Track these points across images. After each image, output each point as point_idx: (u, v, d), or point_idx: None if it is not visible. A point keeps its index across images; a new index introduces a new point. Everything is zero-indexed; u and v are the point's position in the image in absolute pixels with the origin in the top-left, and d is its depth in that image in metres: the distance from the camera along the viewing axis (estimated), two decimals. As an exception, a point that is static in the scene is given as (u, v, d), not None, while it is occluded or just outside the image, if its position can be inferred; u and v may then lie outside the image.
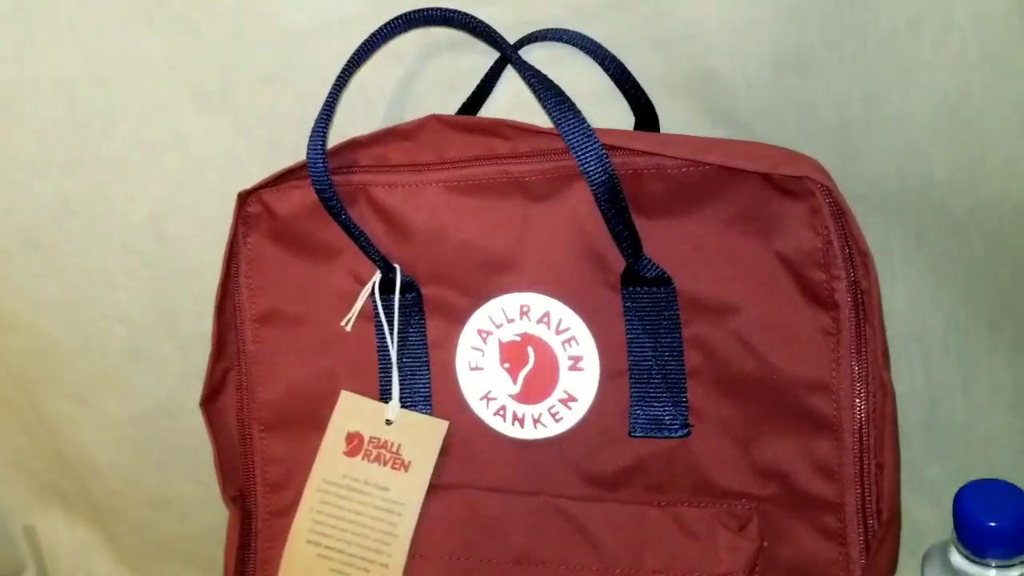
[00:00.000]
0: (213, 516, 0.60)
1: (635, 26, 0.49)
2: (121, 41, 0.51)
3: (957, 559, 0.43)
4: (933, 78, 0.48)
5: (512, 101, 0.52)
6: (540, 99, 0.43)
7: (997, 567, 0.42)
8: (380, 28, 0.46)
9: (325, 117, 0.46)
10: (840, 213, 0.41)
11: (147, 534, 0.68)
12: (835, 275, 0.42)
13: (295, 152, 0.53)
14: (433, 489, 0.47)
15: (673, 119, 0.51)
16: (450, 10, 0.46)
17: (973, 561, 0.42)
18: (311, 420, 0.50)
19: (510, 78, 0.51)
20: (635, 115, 0.51)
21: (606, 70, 0.50)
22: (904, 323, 0.54)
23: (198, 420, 0.52)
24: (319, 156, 0.45)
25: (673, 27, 0.49)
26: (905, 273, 0.53)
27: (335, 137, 0.48)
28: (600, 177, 0.42)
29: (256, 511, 0.52)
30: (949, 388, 0.58)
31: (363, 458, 0.47)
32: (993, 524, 0.41)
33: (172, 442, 0.64)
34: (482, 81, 0.51)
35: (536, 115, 0.47)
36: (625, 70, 0.50)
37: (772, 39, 0.48)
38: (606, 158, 0.42)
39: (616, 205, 0.42)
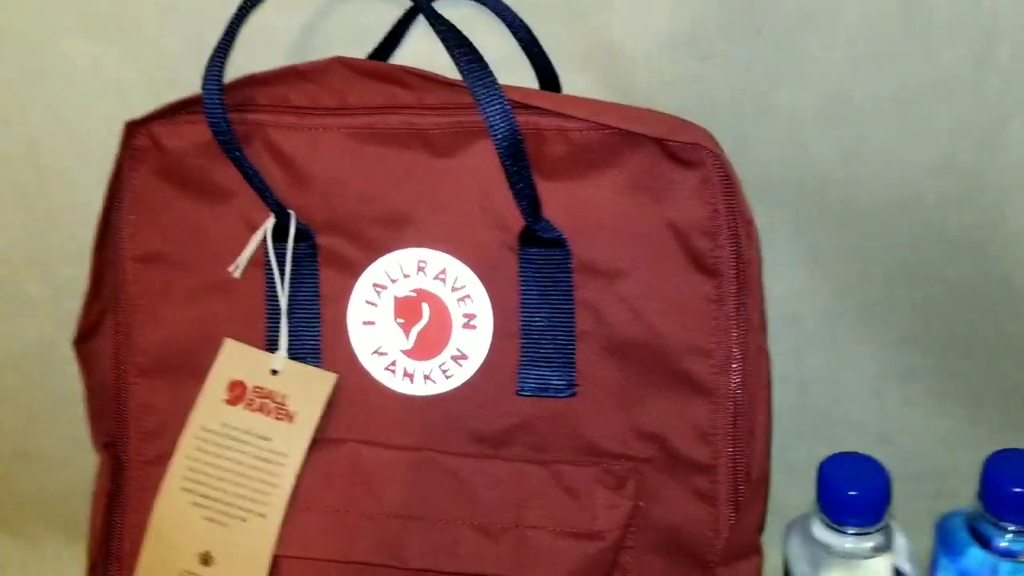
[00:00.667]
0: (80, 473, 0.57)
1: (545, -5, 0.49)
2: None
3: (818, 528, 0.45)
4: (821, 71, 0.50)
5: (416, 57, 0.51)
6: (450, 51, 0.43)
7: (854, 535, 0.44)
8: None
9: (223, 48, 0.44)
10: (728, 182, 0.43)
11: (7, 487, 0.65)
12: (720, 244, 0.43)
13: (189, 88, 0.51)
14: (317, 442, 0.46)
15: (574, 89, 0.52)
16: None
17: (833, 529, 0.44)
18: (190, 368, 0.48)
19: (417, 34, 0.51)
20: (539, 82, 0.51)
21: (515, 35, 0.50)
22: (779, 309, 0.56)
23: (70, 370, 0.49)
24: (215, 89, 0.44)
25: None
26: (783, 260, 0.55)
27: (232, 76, 0.47)
28: (504, 132, 0.42)
29: (128, 459, 0.50)
30: (817, 374, 0.61)
31: (245, 407, 0.46)
32: (852, 493, 0.44)
33: (40, 392, 0.61)
34: (390, 31, 0.50)
35: (441, 71, 0.47)
36: (533, 37, 0.50)
37: (672, 18, 0.50)
38: (511, 114, 0.42)
39: (518, 163, 0.43)
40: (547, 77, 0.51)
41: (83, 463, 0.51)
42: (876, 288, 0.56)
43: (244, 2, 0.45)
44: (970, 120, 0.49)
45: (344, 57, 0.45)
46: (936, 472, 0.60)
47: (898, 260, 0.55)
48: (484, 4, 0.50)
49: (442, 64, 0.51)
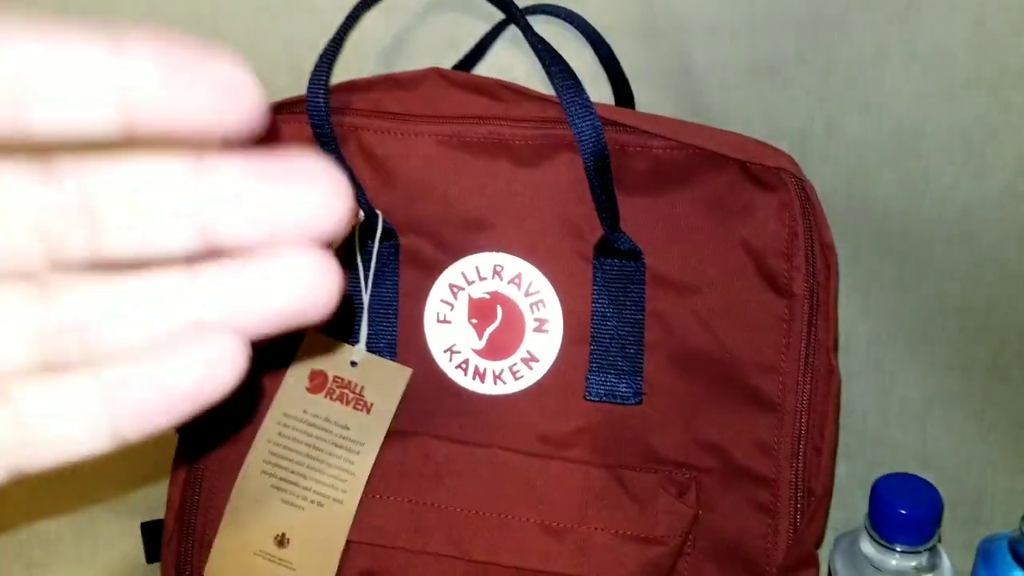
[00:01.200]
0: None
1: (627, 16, 0.51)
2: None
3: (866, 545, 0.47)
4: (891, 105, 0.52)
5: (496, 67, 0.53)
6: (545, 67, 0.45)
7: (901, 553, 0.46)
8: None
9: (330, 55, 0.47)
10: (810, 207, 0.44)
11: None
12: (795, 266, 0.45)
13: (283, 90, 0.53)
14: (391, 434, 0.48)
15: (649, 107, 0.54)
16: (465, -31, 0.48)
17: (881, 545, 0.46)
18: (270, 355, 0.50)
19: (497, 45, 0.53)
20: (615, 98, 0.53)
21: (596, 52, 0.52)
22: (832, 330, 0.58)
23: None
24: (320, 91, 0.46)
25: (662, 22, 0.51)
26: (839, 284, 0.57)
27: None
28: (593, 147, 0.44)
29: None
30: (864, 397, 0.62)
31: (326, 396, 0.48)
32: (904, 512, 0.45)
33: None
34: (479, 43, 0.52)
35: (517, 81, 0.49)
36: (613, 55, 0.52)
37: (750, 46, 0.51)
38: (601, 130, 0.44)
39: (603, 176, 0.45)
40: (623, 92, 0.53)
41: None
42: (927, 316, 0.58)
43: (353, 10, 0.47)
44: (1035, 159, 0.51)
45: (441, 68, 0.47)
46: (975, 497, 0.61)
47: (952, 291, 0.56)
48: (568, 21, 0.52)
49: (517, 75, 0.54)
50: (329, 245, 0.19)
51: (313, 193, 0.18)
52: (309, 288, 0.19)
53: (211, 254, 0.19)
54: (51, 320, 0.19)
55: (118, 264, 0.19)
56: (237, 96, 0.17)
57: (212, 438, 0.50)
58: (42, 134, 0.17)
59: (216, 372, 0.19)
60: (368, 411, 0.47)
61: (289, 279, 0.18)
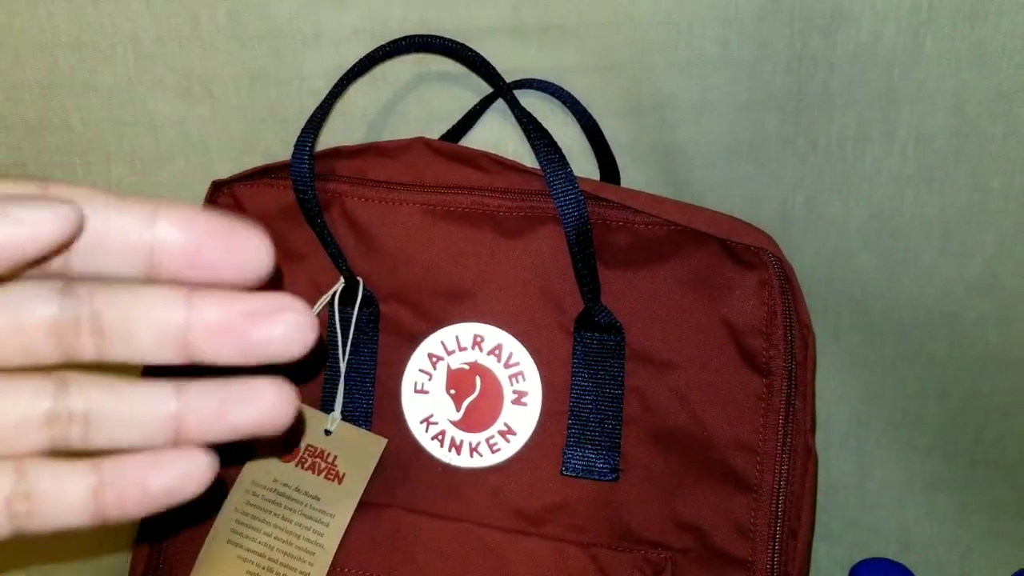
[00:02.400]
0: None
1: (613, 92, 0.52)
2: (112, 12, 0.50)
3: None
4: (871, 188, 0.53)
5: (489, 140, 0.54)
6: (530, 140, 0.45)
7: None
8: (383, 46, 0.48)
9: (317, 121, 0.47)
10: (789, 287, 0.44)
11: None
12: (774, 344, 0.45)
13: (268, 154, 0.54)
14: (362, 505, 0.47)
15: (633, 182, 0.54)
16: (453, 41, 0.48)
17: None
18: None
19: (490, 119, 0.54)
20: (600, 172, 0.54)
21: (582, 127, 0.52)
22: (812, 410, 0.58)
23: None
24: (305, 158, 0.46)
25: (647, 99, 0.52)
26: (818, 364, 0.57)
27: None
28: (575, 221, 0.44)
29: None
30: (844, 479, 0.62)
31: (298, 464, 0.47)
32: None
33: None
34: (467, 115, 0.53)
35: (506, 154, 0.49)
36: (599, 130, 0.53)
37: (733, 125, 0.52)
38: (584, 204, 0.44)
39: (585, 250, 0.45)
40: (608, 167, 0.54)
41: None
42: (908, 398, 0.58)
43: (342, 79, 0.47)
44: (1014, 244, 0.52)
45: (426, 138, 0.48)
46: (954, 583, 0.60)
47: (932, 372, 0.56)
48: (556, 96, 0.52)
49: (505, 147, 0.54)
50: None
51: (285, 328, 0.23)
52: (272, 411, 0.23)
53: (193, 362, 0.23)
54: (62, 408, 0.23)
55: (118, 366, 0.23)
56: (249, 258, 0.22)
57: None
58: (78, 274, 0.22)
59: (188, 478, 0.23)
60: (340, 481, 0.46)
61: (256, 403, 0.23)
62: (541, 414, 0.47)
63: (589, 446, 0.46)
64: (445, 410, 0.48)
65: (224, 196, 0.50)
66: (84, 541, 0.61)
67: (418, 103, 0.53)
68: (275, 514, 0.46)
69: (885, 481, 0.61)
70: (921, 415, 0.58)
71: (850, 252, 0.55)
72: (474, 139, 0.54)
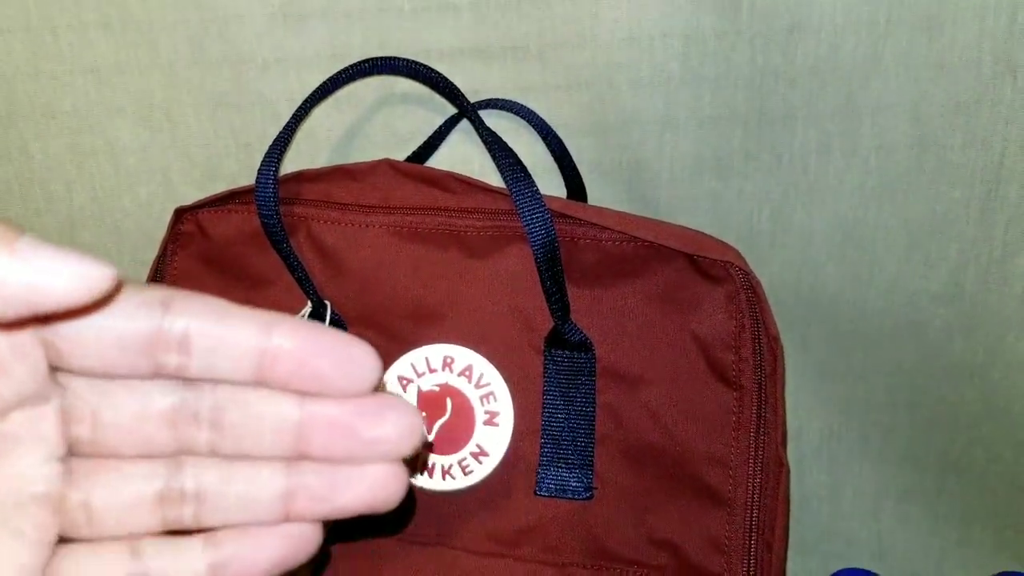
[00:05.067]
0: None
1: (578, 110, 0.52)
2: (71, 41, 0.50)
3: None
4: (835, 200, 0.53)
5: (454, 160, 0.54)
6: (495, 159, 0.45)
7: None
8: (346, 68, 0.48)
9: (280, 145, 0.46)
10: (756, 300, 0.44)
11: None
12: (743, 358, 0.45)
13: (231, 179, 0.53)
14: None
15: (600, 199, 0.54)
16: (416, 62, 0.48)
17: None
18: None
19: (456, 139, 0.54)
20: (567, 190, 0.54)
21: (548, 146, 0.53)
22: (783, 423, 0.58)
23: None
24: (270, 182, 0.46)
25: (611, 117, 0.52)
26: (789, 377, 0.57)
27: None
28: (542, 239, 0.44)
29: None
30: (818, 490, 0.62)
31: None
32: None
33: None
34: (432, 136, 0.53)
35: (472, 174, 0.49)
36: (564, 148, 0.53)
37: (697, 141, 0.53)
38: (551, 222, 0.44)
39: (553, 268, 0.44)
40: (575, 185, 0.54)
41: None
42: (878, 408, 0.58)
43: (304, 103, 0.47)
44: (977, 253, 0.52)
45: (392, 160, 0.47)
46: (929, 592, 0.61)
47: (901, 382, 0.57)
48: (520, 115, 0.52)
49: (472, 167, 0.54)
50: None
51: (393, 430, 0.23)
52: (382, 492, 0.24)
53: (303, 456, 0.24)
54: (174, 488, 0.24)
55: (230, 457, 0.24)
56: (356, 370, 0.23)
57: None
58: (194, 376, 0.23)
59: (301, 548, 0.24)
60: (311, 508, 0.46)
61: (366, 484, 0.24)
62: (513, 434, 0.47)
63: (562, 465, 0.46)
64: (416, 433, 0.47)
65: (188, 223, 0.49)
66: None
67: (382, 125, 0.53)
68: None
69: (858, 492, 0.61)
70: (892, 425, 0.58)
71: (816, 264, 0.55)
72: (440, 160, 0.54)
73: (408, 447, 0.23)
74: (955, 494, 0.59)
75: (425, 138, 0.53)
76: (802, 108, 0.51)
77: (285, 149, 0.47)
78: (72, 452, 0.24)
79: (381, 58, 0.49)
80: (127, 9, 0.49)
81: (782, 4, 0.48)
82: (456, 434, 0.47)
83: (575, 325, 0.46)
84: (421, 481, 0.47)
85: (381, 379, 0.23)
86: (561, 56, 0.50)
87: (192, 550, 0.24)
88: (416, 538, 0.47)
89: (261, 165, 0.46)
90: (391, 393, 0.24)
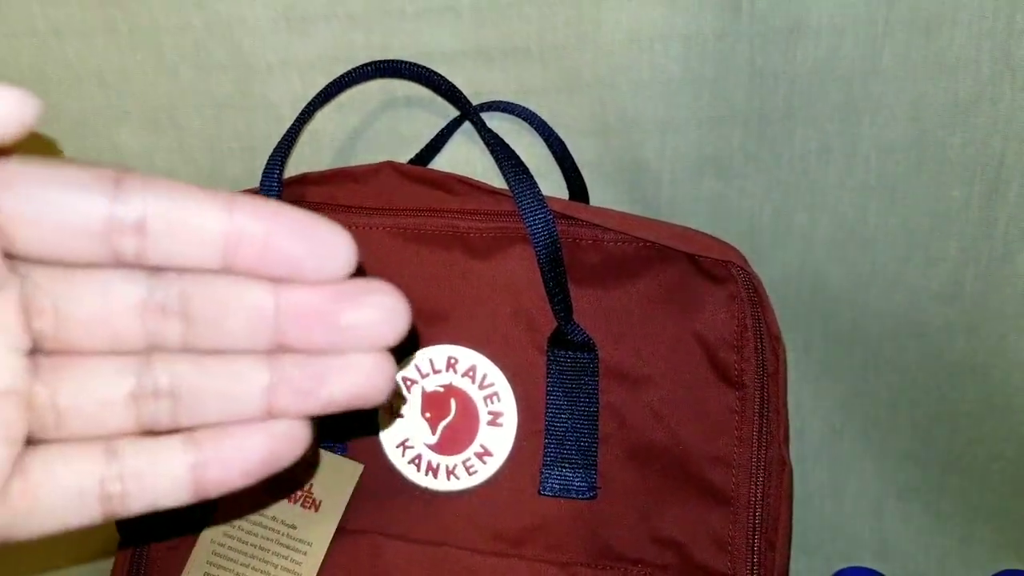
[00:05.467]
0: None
1: (579, 112, 0.52)
2: (77, 46, 0.50)
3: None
4: (836, 200, 0.53)
5: (457, 163, 0.54)
6: (498, 161, 0.46)
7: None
8: (349, 72, 0.48)
9: (284, 148, 0.47)
10: (757, 299, 0.45)
11: None
12: (745, 357, 0.45)
13: (235, 183, 0.54)
14: (340, 532, 0.46)
15: (602, 200, 0.55)
16: (419, 65, 0.49)
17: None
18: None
19: (458, 142, 0.54)
20: (569, 191, 0.54)
21: (550, 147, 0.53)
22: (786, 422, 0.58)
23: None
24: (275, 185, 0.46)
25: (612, 118, 0.52)
26: (791, 376, 0.57)
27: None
28: (545, 240, 0.44)
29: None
30: (820, 489, 0.62)
31: (272, 492, 0.46)
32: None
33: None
34: (434, 138, 0.53)
35: (475, 176, 0.49)
36: (566, 150, 0.53)
37: (698, 142, 0.53)
38: (553, 223, 0.45)
39: (555, 268, 0.45)
40: (577, 186, 0.54)
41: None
42: (880, 406, 0.58)
43: (308, 107, 0.47)
44: (977, 252, 0.52)
45: (395, 162, 0.48)
46: (932, 590, 0.61)
47: (903, 380, 0.57)
48: (522, 117, 0.53)
49: (475, 169, 0.54)
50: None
51: (375, 311, 0.22)
52: (367, 383, 0.22)
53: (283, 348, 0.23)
54: (147, 386, 0.23)
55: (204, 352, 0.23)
56: (330, 252, 0.22)
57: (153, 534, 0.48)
58: (154, 264, 0.22)
59: (288, 447, 0.23)
60: (316, 509, 0.46)
61: (350, 374, 0.22)
62: (517, 434, 0.47)
63: (566, 465, 0.46)
64: (421, 434, 0.48)
65: (192, 225, 0.50)
66: (65, 548, 0.61)
67: (385, 128, 0.53)
68: (252, 544, 0.45)
69: (860, 490, 0.61)
70: (893, 423, 0.59)
71: (817, 264, 0.55)
72: (442, 162, 0.54)
73: (392, 333, 0.22)
74: (957, 492, 0.60)
75: (428, 140, 0.53)
76: (802, 108, 0.51)
77: (289, 152, 0.47)
78: (36, 348, 0.22)
79: (384, 61, 0.49)
80: (132, 14, 0.49)
81: (781, 5, 0.48)
82: (460, 434, 0.47)
83: (578, 325, 0.46)
84: (426, 481, 0.47)
85: (355, 262, 0.22)
86: (562, 58, 0.50)
87: (171, 450, 0.23)
88: (420, 537, 0.47)
89: (265, 168, 0.46)
90: (372, 279, 0.22)
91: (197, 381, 0.23)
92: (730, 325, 0.45)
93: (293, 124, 0.48)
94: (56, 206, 0.21)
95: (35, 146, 0.52)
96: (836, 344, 0.57)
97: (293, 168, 0.52)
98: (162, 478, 0.23)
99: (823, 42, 0.49)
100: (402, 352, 0.47)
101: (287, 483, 0.47)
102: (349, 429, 0.48)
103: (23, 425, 0.22)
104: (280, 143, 0.47)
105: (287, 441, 0.23)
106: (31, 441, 0.23)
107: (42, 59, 0.51)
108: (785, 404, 0.45)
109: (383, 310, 0.22)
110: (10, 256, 0.22)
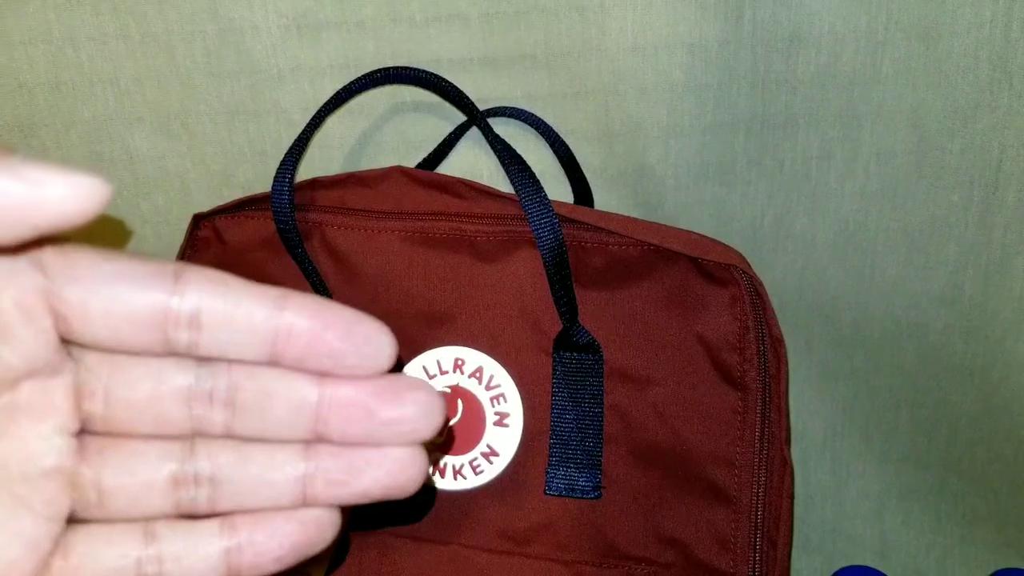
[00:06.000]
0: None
1: (584, 117, 0.53)
2: (91, 53, 0.51)
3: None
4: (837, 204, 0.54)
5: (464, 167, 0.55)
6: (504, 166, 0.46)
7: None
8: (359, 78, 0.49)
9: (296, 152, 0.48)
10: (759, 302, 0.45)
11: None
12: (748, 359, 0.46)
13: (246, 187, 0.54)
14: (348, 532, 0.47)
15: (606, 204, 0.55)
16: (427, 72, 0.49)
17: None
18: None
19: (465, 146, 0.55)
20: (574, 196, 0.55)
21: (555, 152, 0.54)
22: (787, 423, 0.59)
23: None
24: (285, 188, 0.47)
25: (617, 123, 0.53)
26: (792, 377, 0.58)
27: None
28: (551, 243, 0.45)
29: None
30: (822, 490, 0.62)
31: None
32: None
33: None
34: (442, 143, 0.54)
35: (481, 180, 0.50)
36: (571, 155, 0.54)
37: (701, 148, 0.53)
38: (559, 227, 0.45)
39: (561, 271, 0.46)
40: (582, 190, 0.55)
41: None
42: (880, 408, 0.59)
43: (320, 112, 0.48)
44: (976, 255, 0.53)
45: (403, 167, 0.49)
46: (933, 591, 0.61)
47: (903, 382, 0.58)
48: (528, 123, 0.53)
49: (481, 173, 0.55)
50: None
51: (414, 408, 0.23)
52: (401, 476, 0.23)
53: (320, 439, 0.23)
54: (188, 471, 0.23)
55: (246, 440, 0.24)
56: (371, 349, 0.23)
57: None
58: (204, 355, 0.23)
59: (319, 534, 0.24)
60: (326, 507, 0.47)
61: (385, 467, 0.23)
62: (523, 435, 0.48)
63: (571, 465, 0.47)
64: (428, 433, 0.48)
65: (205, 228, 0.50)
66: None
67: (394, 133, 0.54)
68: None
69: (861, 490, 0.62)
70: (894, 425, 0.59)
71: (819, 267, 0.56)
72: (450, 166, 0.55)
73: (427, 429, 0.23)
74: (957, 493, 0.60)
75: (435, 145, 0.54)
76: (803, 115, 0.52)
77: (300, 157, 0.48)
78: (84, 429, 0.23)
79: (393, 68, 0.50)
80: (146, 21, 0.50)
81: (783, 14, 0.49)
82: (467, 435, 0.48)
83: (583, 327, 0.47)
84: (433, 481, 0.48)
85: (395, 357, 0.23)
86: (568, 65, 0.51)
87: (207, 534, 0.24)
88: (428, 536, 0.48)
89: (277, 172, 0.47)
90: (409, 376, 0.23)
91: (237, 469, 0.23)
92: (732, 327, 0.46)
93: (304, 129, 0.49)
94: (118, 299, 0.22)
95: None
96: (837, 346, 0.58)
97: (304, 172, 0.53)
98: (198, 561, 0.23)
99: (824, 50, 0.50)
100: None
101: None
102: (380, 518, 0.49)
103: (67, 504, 0.23)
104: (291, 148, 0.48)
105: (318, 528, 0.24)
106: (72, 520, 0.24)
107: (57, 65, 0.51)
108: (787, 405, 0.46)
109: (421, 406, 0.23)
110: (66, 341, 0.23)
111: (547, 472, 0.47)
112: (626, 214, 0.53)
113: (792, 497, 0.46)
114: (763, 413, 0.46)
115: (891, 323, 0.56)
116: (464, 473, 0.48)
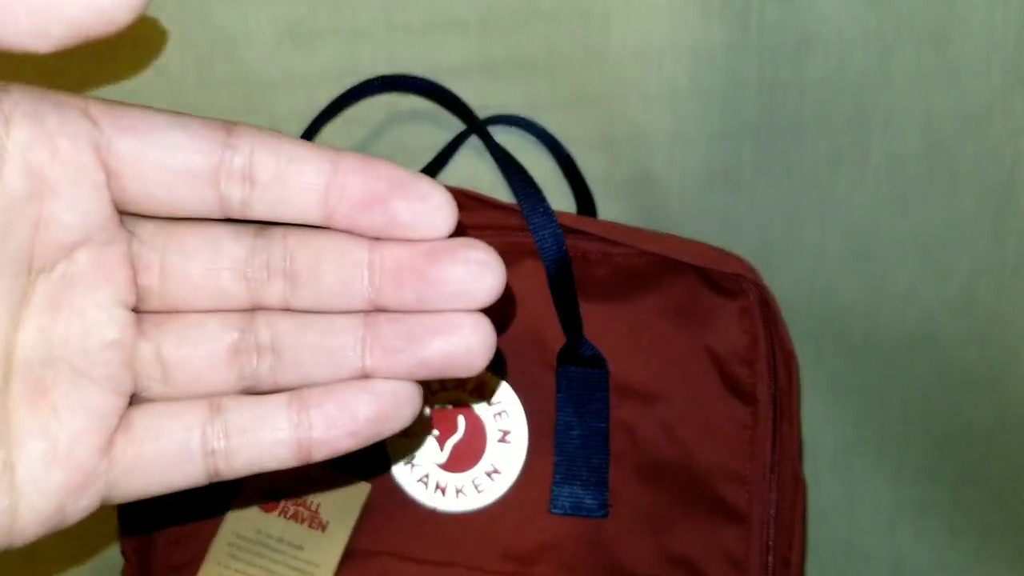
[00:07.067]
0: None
1: (586, 125, 0.52)
2: (80, 63, 0.50)
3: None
4: (847, 212, 0.53)
5: (464, 177, 0.54)
6: (505, 174, 0.45)
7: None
8: (356, 86, 0.48)
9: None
10: (770, 313, 0.44)
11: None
12: (758, 372, 0.44)
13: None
14: (348, 553, 0.46)
15: (610, 214, 0.54)
16: (425, 79, 0.48)
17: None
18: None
19: (465, 156, 0.54)
20: (577, 205, 0.54)
21: (558, 161, 0.53)
22: (798, 436, 0.58)
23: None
24: (280, 201, 0.46)
25: (620, 131, 0.52)
26: (803, 390, 0.57)
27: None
28: (554, 255, 0.44)
29: (155, 564, 0.49)
30: (834, 504, 0.61)
31: (280, 514, 0.46)
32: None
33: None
34: (441, 152, 0.53)
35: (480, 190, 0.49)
36: (574, 163, 0.53)
37: (707, 155, 0.52)
38: (562, 238, 0.44)
39: (565, 283, 0.44)
40: (585, 200, 0.54)
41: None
42: (893, 420, 0.58)
43: (314, 120, 0.47)
44: (990, 263, 0.52)
45: (403, 177, 0.47)
46: (947, 607, 0.60)
47: (916, 394, 0.56)
48: (529, 131, 0.52)
49: (482, 183, 0.54)
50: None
51: (465, 268, 0.21)
52: (463, 344, 0.22)
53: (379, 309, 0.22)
54: (249, 341, 0.23)
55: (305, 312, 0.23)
56: (430, 210, 0.21)
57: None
58: (258, 216, 0.22)
59: (396, 410, 0.22)
60: (324, 530, 0.45)
61: (444, 334, 0.22)
62: (527, 452, 0.46)
63: (577, 483, 0.46)
64: (429, 452, 0.47)
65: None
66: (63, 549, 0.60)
67: (392, 142, 0.53)
68: (258, 566, 0.45)
69: (875, 506, 0.61)
70: (907, 438, 0.58)
71: (829, 277, 0.55)
72: (449, 176, 0.54)
73: (484, 292, 0.21)
74: (972, 507, 0.59)
75: (434, 154, 0.53)
76: (812, 120, 0.51)
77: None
78: (141, 304, 0.23)
79: (390, 76, 0.49)
80: (136, 30, 0.49)
81: (790, 17, 0.48)
82: (469, 452, 0.47)
83: (588, 341, 0.45)
84: (434, 500, 0.47)
85: (455, 221, 0.22)
86: (570, 71, 0.50)
87: (276, 407, 0.23)
88: (430, 558, 0.46)
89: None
90: (469, 238, 0.22)
91: (297, 337, 0.23)
92: (742, 339, 0.45)
93: (301, 138, 0.47)
94: (173, 149, 0.21)
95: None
96: (848, 357, 0.57)
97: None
98: (266, 435, 0.22)
99: (833, 54, 0.49)
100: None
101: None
102: (362, 462, 0.47)
103: (129, 379, 0.23)
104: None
105: (394, 402, 0.22)
106: (135, 400, 0.23)
107: (48, 75, 0.50)
108: (799, 419, 0.45)
109: (473, 266, 0.21)
110: (122, 212, 0.22)
111: (552, 490, 0.46)
112: (631, 224, 0.52)
113: (805, 514, 0.44)
114: (774, 427, 0.44)
115: (903, 334, 0.55)
116: (466, 492, 0.46)
